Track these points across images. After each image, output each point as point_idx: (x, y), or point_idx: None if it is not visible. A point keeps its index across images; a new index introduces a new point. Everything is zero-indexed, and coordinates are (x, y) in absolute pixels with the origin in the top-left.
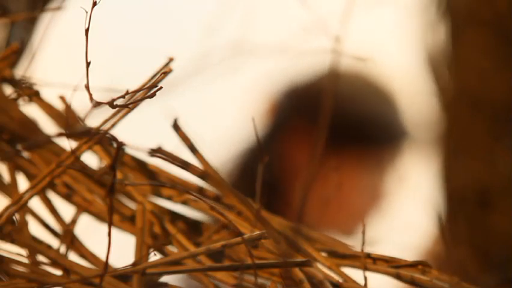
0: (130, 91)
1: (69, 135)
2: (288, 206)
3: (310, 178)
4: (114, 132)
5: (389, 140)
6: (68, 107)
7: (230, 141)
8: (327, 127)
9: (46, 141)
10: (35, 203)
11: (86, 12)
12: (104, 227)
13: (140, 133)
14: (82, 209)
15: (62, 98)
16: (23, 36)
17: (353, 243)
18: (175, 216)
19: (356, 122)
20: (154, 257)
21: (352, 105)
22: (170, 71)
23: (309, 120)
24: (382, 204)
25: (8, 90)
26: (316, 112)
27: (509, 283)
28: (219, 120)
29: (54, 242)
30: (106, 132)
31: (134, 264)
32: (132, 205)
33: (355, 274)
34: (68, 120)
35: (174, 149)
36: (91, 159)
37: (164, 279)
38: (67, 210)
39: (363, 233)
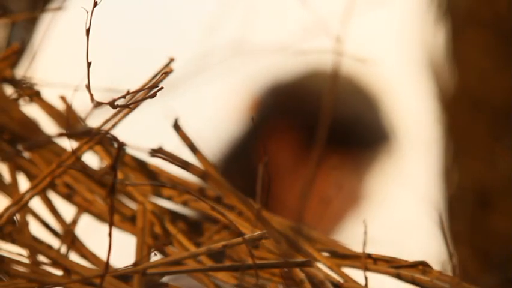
0: (130, 91)
1: (70, 135)
2: (271, 202)
3: (309, 178)
4: (115, 132)
5: (370, 143)
6: (68, 107)
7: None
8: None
9: (47, 142)
10: (36, 203)
11: (87, 12)
12: (104, 227)
13: (141, 133)
14: (82, 209)
15: (63, 98)
16: (24, 37)
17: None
18: (175, 217)
19: (338, 124)
20: (155, 257)
21: (336, 106)
22: (171, 71)
23: (291, 118)
24: (361, 206)
25: (9, 90)
26: (298, 110)
27: (509, 283)
28: (218, 120)
29: (55, 242)
30: (107, 132)
31: (134, 265)
32: (133, 205)
33: (356, 274)
34: (69, 121)
35: (175, 149)
36: (92, 160)
37: (165, 279)
38: (67, 210)
39: (364, 233)
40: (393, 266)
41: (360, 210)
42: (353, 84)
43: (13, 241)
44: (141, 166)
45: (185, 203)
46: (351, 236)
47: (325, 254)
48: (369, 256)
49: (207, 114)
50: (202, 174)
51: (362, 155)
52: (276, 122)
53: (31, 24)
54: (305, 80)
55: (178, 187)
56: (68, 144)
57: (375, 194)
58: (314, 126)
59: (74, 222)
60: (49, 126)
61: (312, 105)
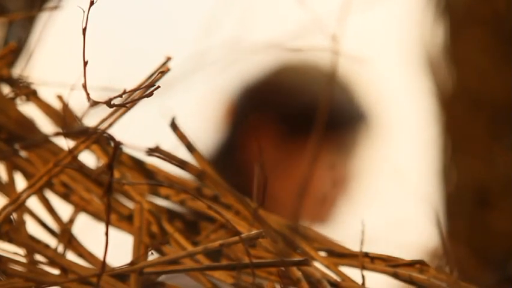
0: (127, 90)
1: (66, 134)
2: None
3: (306, 177)
4: (111, 131)
5: (346, 124)
6: (65, 106)
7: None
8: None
9: (44, 141)
10: (33, 202)
11: (84, 11)
12: (101, 226)
13: (137, 132)
14: (79, 208)
15: (60, 97)
16: (21, 36)
17: (327, 231)
18: (172, 216)
19: (312, 110)
20: (152, 256)
21: (306, 95)
22: (167, 70)
23: (268, 113)
24: (349, 187)
25: (6, 89)
26: (274, 104)
27: (507, 282)
28: (213, 119)
29: (52, 241)
30: (104, 131)
31: (131, 264)
32: (130, 204)
33: (353, 273)
34: (66, 120)
35: (171, 148)
36: (89, 159)
37: (162, 278)
38: (64, 209)
39: (362, 232)
40: (391, 265)
41: (349, 192)
42: (323, 72)
43: (10, 240)
44: (138, 165)
45: (182, 202)
46: (342, 223)
47: (322, 253)
48: (366, 255)
49: (204, 113)
50: (199, 173)
51: (341, 137)
52: (254, 118)
53: (28, 23)
54: (278, 74)
55: (175, 186)
56: (65, 143)
57: (361, 175)
58: (291, 117)
59: (71, 221)
60: (46, 125)
61: (287, 97)
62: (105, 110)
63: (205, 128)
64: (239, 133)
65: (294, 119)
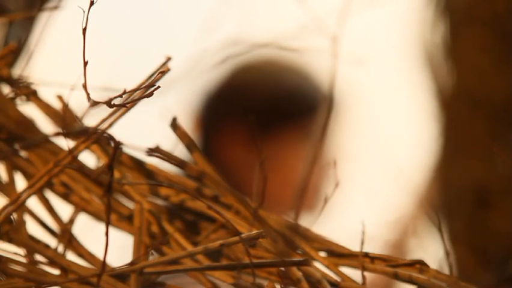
0: (127, 90)
1: (66, 134)
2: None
3: (306, 176)
4: (111, 131)
5: (311, 109)
6: (65, 107)
7: None
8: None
9: (44, 141)
10: (33, 203)
11: (84, 11)
12: (101, 227)
13: (137, 132)
14: (79, 208)
15: (60, 98)
16: (21, 36)
17: (315, 219)
18: (172, 216)
19: (275, 102)
20: (152, 256)
21: (266, 88)
22: (167, 70)
23: (234, 114)
24: (327, 171)
25: (6, 89)
26: (238, 104)
27: (507, 282)
28: None
29: (52, 242)
30: (104, 131)
31: (131, 264)
32: (130, 204)
33: (353, 273)
34: (66, 120)
35: (172, 148)
36: (89, 159)
37: (162, 278)
38: (64, 209)
39: (363, 232)
40: (391, 265)
41: (328, 176)
42: (279, 64)
43: (10, 240)
44: (138, 165)
45: (182, 202)
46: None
47: (322, 253)
48: (366, 255)
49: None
50: (199, 174)
51: (308, 123)
52: (221, 122)
53: (28, 23)
54: (235, 76)
55: (175, 186)
56: (65, 144)
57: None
58: (255, 114)
59: (71, 221)
60: (46, 125)
61: (249, 96)
62: (105, 110)
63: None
64: (210, 140)
65: (258, 115)
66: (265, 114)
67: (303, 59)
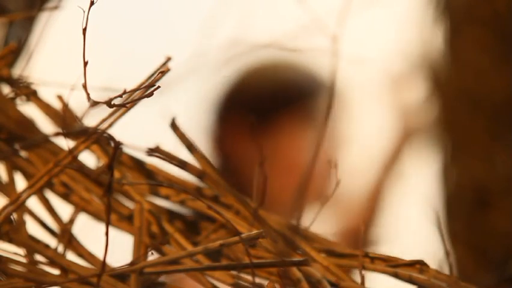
0: (127, 90)
1: (67, 134)
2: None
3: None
4: (112, 131)
5: (306, 96)
6: (65, 107)
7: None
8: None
9: (44, 141)
10: (33, 203)
11: (84, 11)
12: (101, 227)
13: (137, 132)
14: (79, 208)
15: (60, 98)
16: (21, 36)
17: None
18: (172, 216)
19: (274, 91)
20: (152, 256)
21: (272, 86)
22: (167, 70)
23: (242, 112)
24: (334, 153)
25: (6, 89)
26: (247, 104)
27: (507, 282)
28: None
29: (52, 242)
30: (104, 131)
31: (131, 264)
32: (130, 204)
33: (353, 273)
34: (66, 120)
35: (172, 148)
36: (89, 159)
37: (162, 278)
38: (64, 209)
39: (362, 232)
40: (391, 265)
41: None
42: (274, 62)
43: (10, 240)
44: (138, 165)
45: (182, 202)
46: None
47: (322, 253)
48: (366, 255)
49: (204, 113)
50: (199, 174)
51: (307, 109)
52: (231, 117)
53: (28, 23)
54: (249, 76)
55: (175, 186)
56: (65, 144)
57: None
58: (259, 108)
59: (71, 221)
60: (46, 125)
61: (259, 96)
62: (105, 110)
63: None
64: (219, 131)
65: (262, 109)
66: (266, 105)
67: (303, 58)
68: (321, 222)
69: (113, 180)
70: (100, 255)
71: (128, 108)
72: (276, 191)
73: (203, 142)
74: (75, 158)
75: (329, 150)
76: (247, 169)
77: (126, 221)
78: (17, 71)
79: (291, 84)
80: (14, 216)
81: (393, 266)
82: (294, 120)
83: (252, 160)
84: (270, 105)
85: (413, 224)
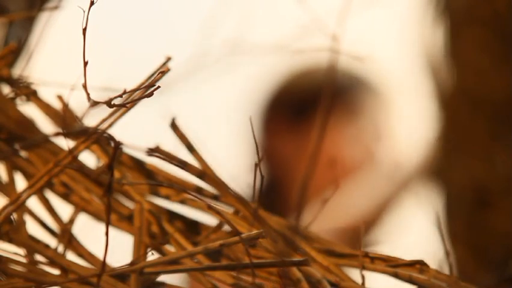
0: (127, 90)
1: (67, 134)
2: (285, 202)
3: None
4: (112, 131)
5: (348, 93)
6: (65, 107)
7: (227, 140)
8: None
9: (44, 141)
10: (33, 203)
11: (84, 11)
12: (101, 227)
13: (138, 132)
14: (79, 208)
15: (60, 98)
16: (21, 36)
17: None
18: (173, 216)
19: (314, 98)
20: (152, 256)
21: (311, 90)
22: (167, 70)
23: (290, 114)
24: (379, 144)
25: (6, 89)
26: (296, 105)
27: (507, 282)
28: (215, 119)
29: (52, 242)
30: (104, 131)
31: (132, 264)
32: (130, 204)
33: (353, 273)
34: (66, 120)
35: (172, 148)
36: (89, 159)
37: (162, 278)
38: (64, 209)
39: (362, 232)
40: (391, 265)
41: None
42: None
43: (10, 240)
44: (138, 165)
45: (182, 202)
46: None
47: (322, 253)
48: (366, 255)
49: (204, 113)
50: (199, 174)
51: (346, 104)
52: (278, 119)
53: (28, 23)
54: (301, 77)
55: (175, 186)
56: (65, 144)
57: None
58: (298, 108)
59: (71, 221)
60: (46, 125)
61: (308, 99)
62: (105, 110)
63: (207, 129)
64: (265, 131)
65: (301, 109)
66: (304, 108)
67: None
68: (321, 222)
69: (113, 180)
70: (100, 255)
71: (128, 108)
72: (318, 187)
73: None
74: (75, 158)
75: (368, 145)
76: (289, 168)
77: (126, 221)
78: (17, 71)
79: (331, 83)
80: (14, 216)
81: (393, 266)
82: (335, 117)
83: (294, 158)
84: (313, 105)
85: (413, 224)
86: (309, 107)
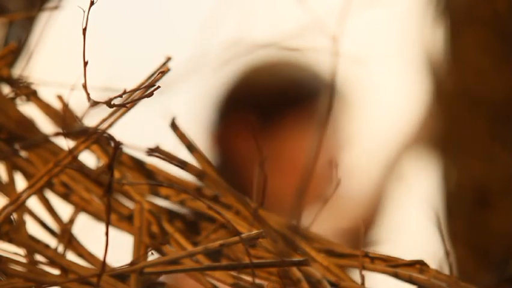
0: (127, 90)
1: (67, 134)
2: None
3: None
4: (112, 131)
5: (309, 96)
6: (65, 107)
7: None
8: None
9: (44, 141)
10: (33, 203)
11: (84, 11)
12: (101, 227)
13: (138, 132)
14: (79, 208)
15: (60, 98)
16: (21, 36)
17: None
18: (172, 216)
19: (277, 91)
20: (152, 256)
21: (269, 81)
22: (167, 70)
23: (245, 110)
24: (336, 153)
25: (6, 89)
26: (249, 102)
27: (507, 282)
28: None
29: (52, 242)
30: (104, 131)
31: (132, 264)
32: (130, 204)
33: (353, 273)
34: (66, 120)
35: (172, 148)
36: (89, 159)
37: (162, 278)
38: (64, 209)
39: (362, 232)
40: (391, 265)
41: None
42: (276, 62)
43: (10, 240)
44: (138, 165)
45: (182, 202)
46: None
47: (322, 253)
48: (366, 255)
49: (204, 113)
50: (199, 174)
51: (309, 109)
52: (232, 116)
53: (28, 23)
54: (251, 74)
55: (175, 186)
56: (65, 144)
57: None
58: (262, 107)
59: (71, 221)
60: (46, 125)
61: (262, 95)
62: (105, 110)
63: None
64: (221, 129)
65: (264, 108)
66: (268, 104)
67: (305, 57)
68: (321, 222)
69: (113, 180)
70: (100, 255)
71: (128, 108)
72: (277, 191)
73: (203, 141)
74: (75, 158)
75: (331, 151)
76: (248, 168)
77: (126, 221)
78: (17, 71)
79: (294, 83)
80: (14, 216)
81: (393, 266)
82: (296, 120)
83: (253, 159)
84: (273, 105)
85: (413, 224)
86: (266, 102)
